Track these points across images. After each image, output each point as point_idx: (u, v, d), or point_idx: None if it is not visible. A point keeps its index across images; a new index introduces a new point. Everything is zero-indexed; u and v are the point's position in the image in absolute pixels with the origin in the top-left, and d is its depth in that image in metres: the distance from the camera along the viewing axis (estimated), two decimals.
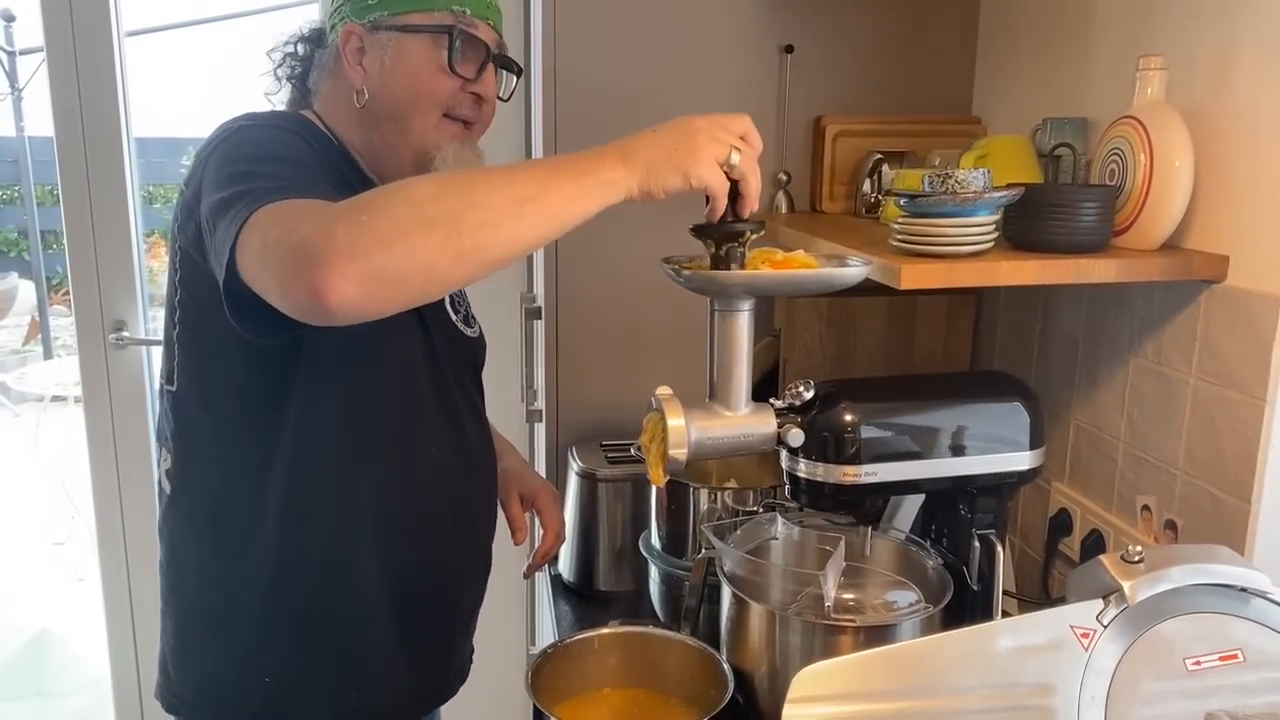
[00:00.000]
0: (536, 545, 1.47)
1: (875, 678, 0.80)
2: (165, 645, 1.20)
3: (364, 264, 0.78)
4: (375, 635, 1.17)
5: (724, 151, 0.91)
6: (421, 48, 1.13)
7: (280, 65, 1.24)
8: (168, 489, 1.16)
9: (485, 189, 0.84)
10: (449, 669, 1.30)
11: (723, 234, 0.97)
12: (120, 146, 2.27)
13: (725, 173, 0.92)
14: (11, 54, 6.06)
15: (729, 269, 0.98)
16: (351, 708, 1.17)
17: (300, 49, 1.23)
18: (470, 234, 0.82)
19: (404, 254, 0.79)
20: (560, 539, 1.47)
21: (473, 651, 1.36)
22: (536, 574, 1.58)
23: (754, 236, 0.98)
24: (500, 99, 1.22)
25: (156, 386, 2.41)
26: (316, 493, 1.12)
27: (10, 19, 6.07)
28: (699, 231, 0.99)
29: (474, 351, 1.30)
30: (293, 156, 1.01)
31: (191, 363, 1.11)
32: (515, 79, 1.25)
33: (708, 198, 0.94)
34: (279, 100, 1.25)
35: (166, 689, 1.20)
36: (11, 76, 6.12)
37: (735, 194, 0.95)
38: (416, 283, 0.82)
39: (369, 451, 1.14)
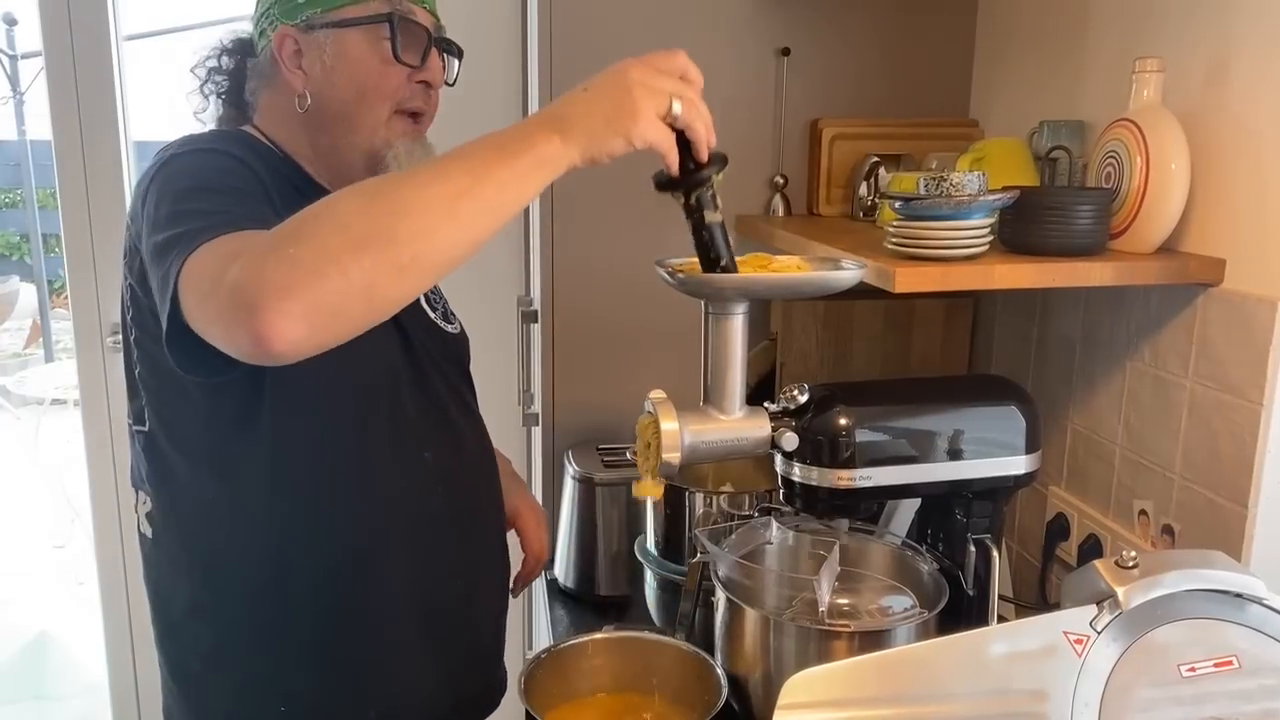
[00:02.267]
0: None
1: (867, 683, 0.79)
2: (166, 693, 1.16)
3: (301, 300, 0.74)
4: (394, 647, 1.12)
5: (664, 103, 0.85)
6: (363, 41, 1.08)
7: (205, 82, 1.18)
8: (149, 533, 1.11)
9: (414, 191, 0.79)
10: (476, 684, 1.25)
11: (688, 184, 0.92)
12: (118, 149, 2.27)
13: (669, 124, 0.86)
14: (13, 58, 6.08)
15: (707, 216, 0.93)
16: None
17: (225, 62, 1.17)
18: (407, 245, 0.77)
19: (341, 281, 0.75)
20: (541, 562, 1.42)
21: (505, 677, 1.31)
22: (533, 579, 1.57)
23: (719, 176, 0.93)
24: (446, 84, 1.16)
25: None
26: (307, 518, 1.07)
27: (12, 22, 6.08)
28: (661, 186, 0.94)
29: (457, 348, 1.25)
30: (225, 184, 0.96)
31: (155, 402, 1.07)
32: (457, 62, 1.19)
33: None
34: (208, 118, 1.19)
35: None
36: (13, 80, 6.13)
37: (686, 141, 0.89)
38: (360, 307, 0.78)
39: (355, 464, 1.09)
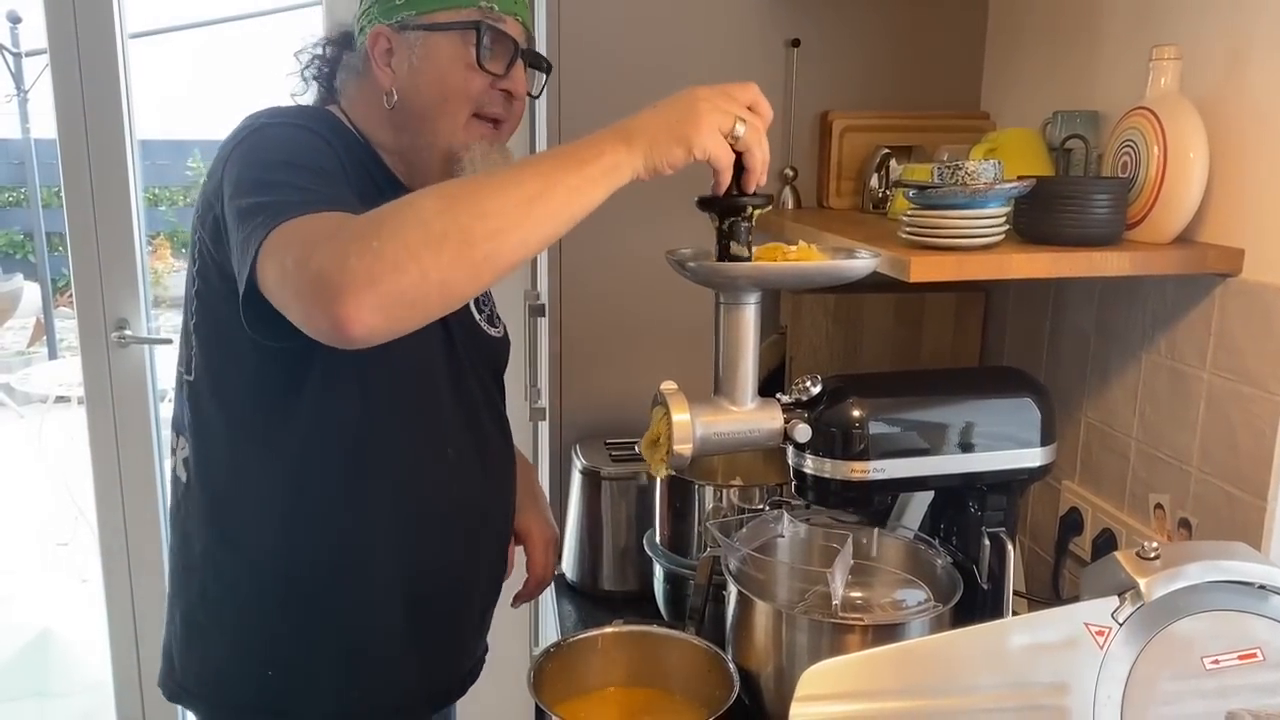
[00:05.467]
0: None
1: (884, 676, 0.78)
2: (170, 633, 1.20)
3: (380, 291, 0.79)
4: (381, 633, 1.16)
5: (728, 122, 0.89)
6: (449, 45, 1.11)
7: (307, 67, 1.22)
8: (183, 477, 1.16)
9: (491, 195, 0.83)
10: (458, 668, 1.29)
11: (726, 207, 0.95)
12: (123, 147, 2.26)
13: (730, 144, 0.90)
14: (17, 55, 6.07)
15: (733, 247, 0.95)
16: (355, 705, 1.16)
17: (327, 51, 1.21)
18: (482, 244, 0.82)
19: (418, 276, 0.80)
20: (542, 585, 1.43)
21: (486, 650, 1.35)
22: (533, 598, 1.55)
23: (759, 211, 0.96)
24: (530, 96, 1.20)
25: (158, 385, 2.41)
26: (325, 489, 1.11)
27: (16, 20, 6.08)
28: (703, 204, 0.96)
29: (496, 351, 1.29)
30: (313, 162, 1.00)
31: (206, 354, 1.11)
32: (545, 76, 1.23)
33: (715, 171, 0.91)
34: (305, 100, 1.23)
35: (169, 678, 1.20)
36: (17, 78, 6.13)
37: (741, 168, 0.92)
38: (435, 300, 0.83)
39: (381, 449, 1.12)
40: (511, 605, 1.39)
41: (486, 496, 1.24)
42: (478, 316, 1.25)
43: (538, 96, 1.22)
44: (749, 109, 0.91)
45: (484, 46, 1.10)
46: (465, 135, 1.12)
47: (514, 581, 1.46)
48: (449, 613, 1.23)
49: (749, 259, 0.97)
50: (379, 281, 0.79)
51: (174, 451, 1.18)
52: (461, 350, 1.18)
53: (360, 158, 1.12)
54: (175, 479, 1.18)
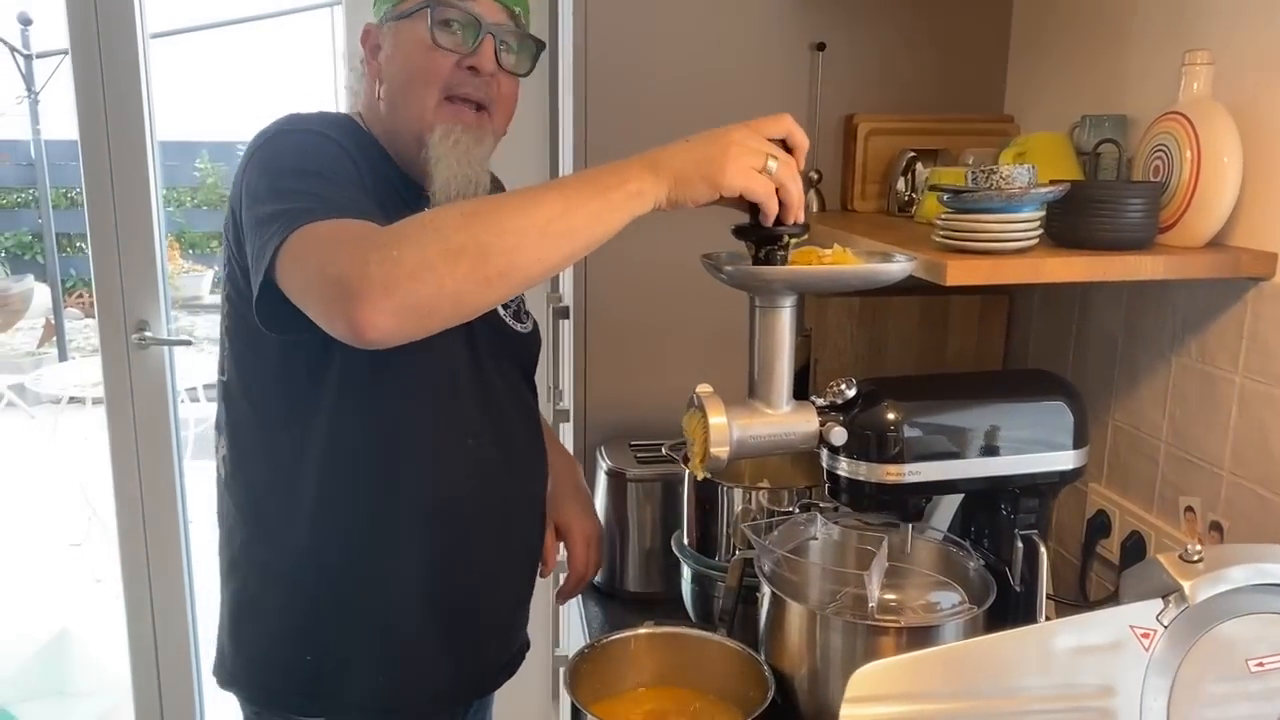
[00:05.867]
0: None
1: (933, 677, 0.78)
2: (221, 624, 1.24)
3: (396, 299, 0.83)
4: (411, 622, 1.19)
5: (759, 161, 0.90)
6: (412, 29, 1.13)
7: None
8: (222, 473, 1.21)
9: (511, 213, 0.86)
10: (493, 659, 1.30)
11: (762, 236, 0.96)
12: (144, 148, 2.27)
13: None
14: (28, 57, 6.09)
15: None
16: (391, 692, 1.18)
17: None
18: (497, 260, 0.84)
19: (433, 286, 0.83)
20: (583, 581, 1.44)
21: (527, 645, 1.36)
22: (562, 573, 1.57)
23: (795, 241, 0.97)
24: (518, 74, 1.18)
25: (178, 387, 2.42)
26: (352, 482, 1.14)
27: (27, 22, 6.10)
28: (739, 233, 0.98)
29: (523, 347, 1.31)
30: (330, 168, 1.02)
31: (237, 355, 1.16)
32: (534, 51, 1.19)
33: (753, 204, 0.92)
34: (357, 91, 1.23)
35: (221, 666, 1.24)
36: (28, 80, 6.15)
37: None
38: (448, 310, 0.86)
39: (404, 442, 1.15)
40: (557, 602, 1.40)
41: (512, 490, 1.26)
42: (503, 312, 1.27)
43: (527, 74, 1.20)
44: (783, 142, 0.92)
45: (437, 24, 1.11)
46: (434, 117, 1.12)
47: (554, 578, 1.47)
48: (477, 604, 1.25)
49: None
50: (395, 290, 0.82)
51: (216, 450, 1.22)
52: (483, 345, 1.20)
53: (374, 160, 1.14)
54: (217, 475, 1.23)
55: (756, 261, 0.98)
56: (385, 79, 1.15)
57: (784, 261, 0.97)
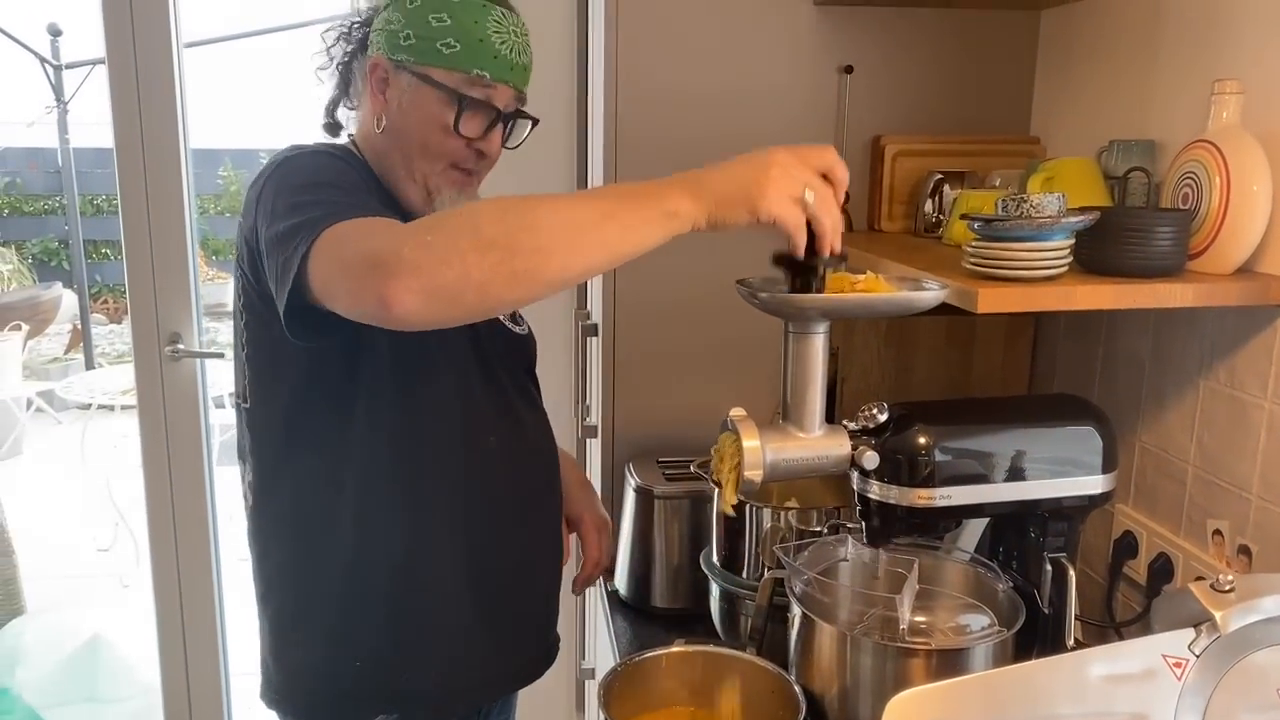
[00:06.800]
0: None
1: (968, 704, 0.80)
2: (263, 647, 1.27)
3: (425, 280, 0.85)
4: (454, 620, 1.23)
5: (797, 189, 0.91)
6: (434, 104, 1.15)
7: (334, 45, 1.26)
8: (250, 501, 1.24)
9: (545, 214, 0.88)
10: (533, 649, 1.35)
11: (797, 266, 0.98)
12: (178, 157, 2.30)
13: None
14: (57, 68, 6.18)
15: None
16: (435, 687, 1.23)
17: (345, 47, 1.25)
18: (525, 257, 0.86)
19: (461, 273, 0.85)
20: (600, 567, 1.49)
21: (559, 640, 1.40)
22: (589, 589, 1.59)
23: (831, 272, 0.98)
24: (508, 147, 1.24)
25: (210, 398, 2.45)
26: (385, 490, 1.18)
27: (57, 33, 6.19)
28: (777, 261, 1.00)
29: (523, 348, 1.35)
30: (343, 181, 1.07)
31: (260, 381, 1.18)
32: (529, 129, 1.25)
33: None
34: (326, 77, 1.27)
35: (268, 688, 1.26)
36: (57, 90, 6.23)
37: (813, 231, 0.94)
38: (473, 299, 0.88)
39: (429, 447, 1.19)
40: (573, 591, 1.44)
41: (534, 483, 1.32)
42: (503, 317, 1.31)
43: (515, 148, 1.26)
44: (824, 175, 0.93)
45: (461, 116, 1.15)
46: (438, 180, 1.18)
47: (570, 570, 1.50)
48: (515, 595, 1.30)
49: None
50: (425, 271, 0.84)
51: (242, 478, 1.25)
52: (488, 346, 1.24)
53: (372, 185, 1.17)
54: (245, 504, 1.25)
55: (793, 289, 1.00)
56: (391, 124, 1.17)
57: (820, 290, 0.99)
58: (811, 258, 0.96)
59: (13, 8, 6.10)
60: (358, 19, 1.24)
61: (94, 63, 2.30)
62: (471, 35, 1.14)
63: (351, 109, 1.26)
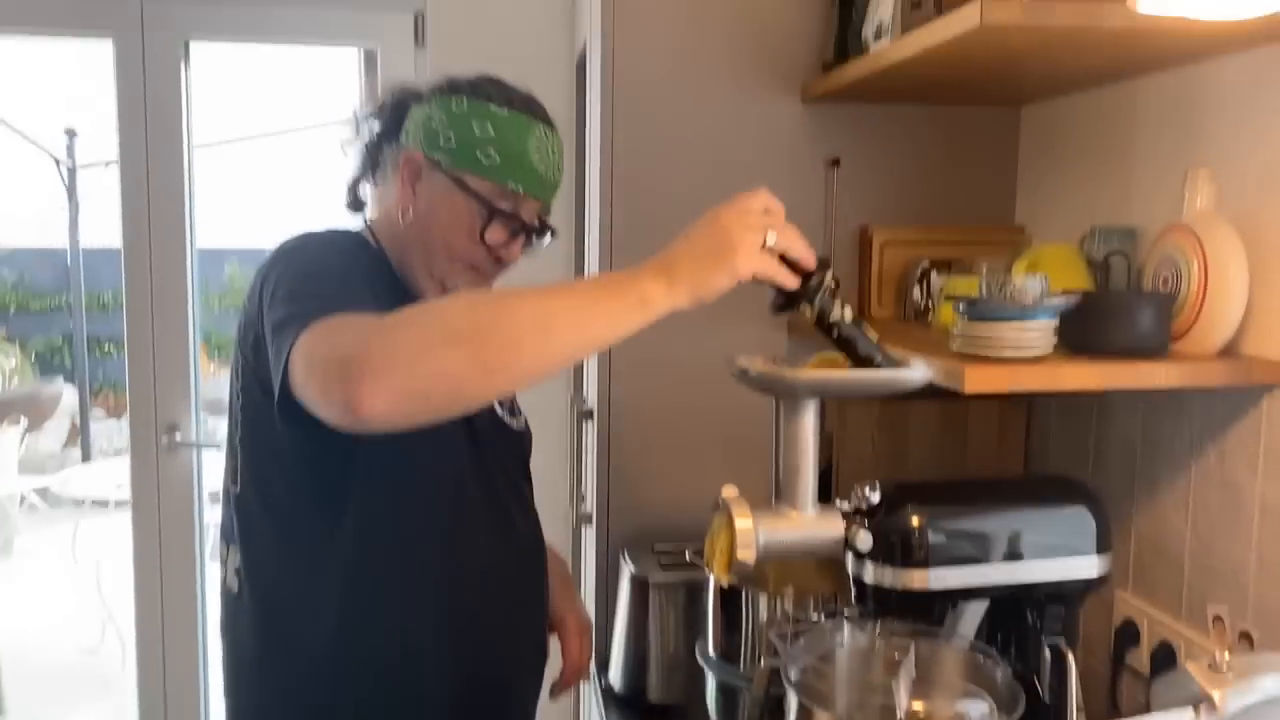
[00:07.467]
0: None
1: None
2: None
3: (393, 379, 0.83)
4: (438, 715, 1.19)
5: (759, 237, 0.92)
6: (464, 209, 1.16)
7: (363, 122, 1.26)
8: (234, 587, 1.20)
9: (517, 305, 0.88)
10: None
11: (801, 295, 0.98)
12: (184, 256, 2.36)
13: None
14: (71, 169, 6.36)
15: (832, 317, 0.99)
16: None
17: (380, 123, 1.25)
18: (496, 350, 0.85)
19: (431, 369, 0.84)
20: (578, 672, 1.42)
21: None
22: (584, 683, 1.55)
23: (829, 277, 0.99)
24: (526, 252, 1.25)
25: (205, 490, 2.44)
26: (373, 591, 1.15)
27: (73, 135, 6.39)
28: (781, 308, 1.00)
29: (519, 443, 1.34)
30: (341, 274, 1.07)
31: (253, 466, 1.17)
32: (549, 237, 1.27)
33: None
34: (351, 150, 1.28)
35: None
36: (70, 190, 6.40)
37: (789, 263, 0.96)
38: (444, 395, 0.87)
39: (420, 546, 1.17)
40: (550, 697, 1.39)
41: (521, 584, 1.29)
42: (499, 409, 1.29)
43: (534, 251, 1.27)
44: (766, 213, 0.94)
45: (490, 225, 1.17)
46: (456, 278, 1.19)
47: (550, 672, 1.46)
48: (497, 699, 1.26)
49: (855, 318, 1.01)
50: (394, 369, 0.83)
51: (224, 562, 1.22)
52: (485, 444, 1.23)
53: (383, 274, 1.18)
54: (225, 589, 1.22)
55: (819, 321, 1.00)
56: (416, 218, 1.18)
57: (836, 300, 0.99)
58: (807, 279, 0.97)
59: (32, 111, 6.31)
60: (391, 99, 1.25)
61: (107, 163, 2.37)
62: (513, 149, 1.15)
63: (373, 185, 1.27)
